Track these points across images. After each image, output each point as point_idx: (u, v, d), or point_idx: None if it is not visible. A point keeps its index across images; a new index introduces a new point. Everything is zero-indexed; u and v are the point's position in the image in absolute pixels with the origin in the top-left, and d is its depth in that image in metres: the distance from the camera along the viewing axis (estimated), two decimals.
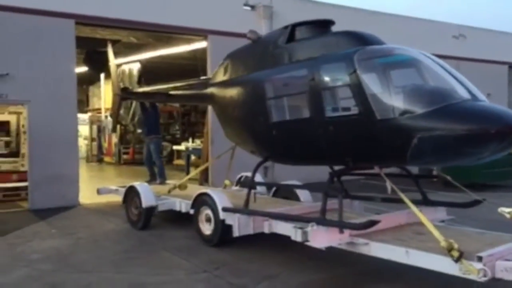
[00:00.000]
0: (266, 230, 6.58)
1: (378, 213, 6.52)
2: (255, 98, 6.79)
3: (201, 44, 13.77)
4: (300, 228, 5.78)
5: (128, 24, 11.89)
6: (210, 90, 7.98)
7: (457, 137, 4.73)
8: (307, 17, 13.72)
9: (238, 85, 7.22)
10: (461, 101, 4.97)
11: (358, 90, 5.37)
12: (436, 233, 4.88)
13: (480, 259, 4.50)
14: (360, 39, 5.91)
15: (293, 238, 5.91)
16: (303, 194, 7.98)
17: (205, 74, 16.23)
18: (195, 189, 8.36)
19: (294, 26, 6.65)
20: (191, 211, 7.63)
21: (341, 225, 5.59)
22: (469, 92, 5.10)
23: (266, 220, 6.59)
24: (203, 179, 12.94)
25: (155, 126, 11.32)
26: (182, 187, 8.63)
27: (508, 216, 5.53)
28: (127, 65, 19.96)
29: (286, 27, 6.73)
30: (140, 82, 19.57)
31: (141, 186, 8.63)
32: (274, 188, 8.64)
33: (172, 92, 9.24)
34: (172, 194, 8.64)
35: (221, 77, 7.76)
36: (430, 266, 4.93)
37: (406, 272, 5.79)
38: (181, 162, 17.42)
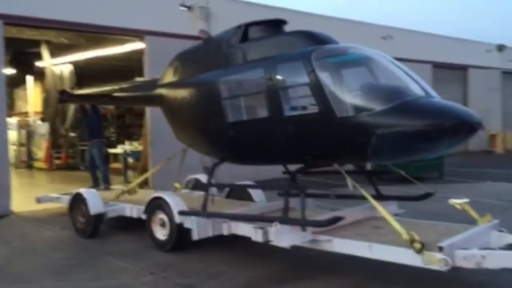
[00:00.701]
0: (225, 232, 6.47)
1: (333, 210, 6.56)
2: (210, 99, 6.65)
3: (136, 45, 13.57)
4: (260, 228, 5.73)
5: (59, 24, 11.46)
6: (159, 91, 7.78)
7: (415, 132, 4.89)
8: (244, 18, 13.86)
9: (190, 86, 7.07)
10: (416, 98, 5.15)
11: (317, 89, 5.41)
12: (397, 226, 5.04)
13: (441, 249, 4.67)
14: (316, 39, 5.99)
15: (253, 238, 5.86)
16: (256, 194, 7.93)
17: (141, 75, 16.05)
18: (144, 194, 8.23)
19: (247, 26, 6.60)
20: (144, 216, 7.39)
21: (305, 223, 5.62)
22: (423, 89, 5.28)
23: (224, 222, 6.48)
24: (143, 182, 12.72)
25: (97, 129, 10.93)
26: (131, 192, 8.42)
27: (459, 207, 5.69)
28: (58, 66, 19.30)
29: (239, 27, 6.65)
30: (73, 84, 19.04)
31: (88, 192, 8.26)
32: (227, 190, 8.49)
33: (116, 94, 8.97)
34: (120, 200, 8.37)
35: (170, 78, 7.58)
36: (393, 259, 5.10)
37: (345, 263, 6.06)
38: (118, 165, 17.01)
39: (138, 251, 7.19)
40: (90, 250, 7.42)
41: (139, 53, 14.21)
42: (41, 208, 10.30)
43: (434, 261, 4.64)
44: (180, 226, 6.80)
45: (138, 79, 17.31)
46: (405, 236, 4.85)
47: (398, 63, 5.76)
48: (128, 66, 16.95)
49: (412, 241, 4.75)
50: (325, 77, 5.43)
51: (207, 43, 7.20)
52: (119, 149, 16.57)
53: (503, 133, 23.58)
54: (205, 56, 7.04)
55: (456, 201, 5.69)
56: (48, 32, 14.21)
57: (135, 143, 16.82)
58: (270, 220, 5.91)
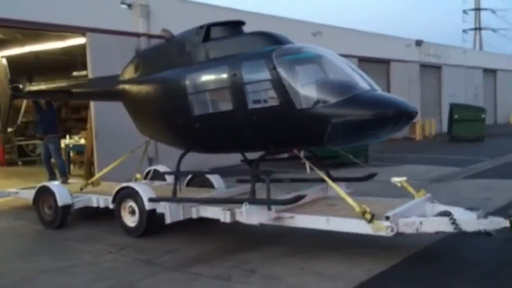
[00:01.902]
0: (195, 215, 7.09)
1: (288, 192, 7.05)
2: (176, 94, 7.12)
3: (77, 41, 13.86)
4: (228, 210, 6.51)
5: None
6: (121, 86, 8.17)
7: (364, 121, 5.79)
8: (184, 17, 14.80)
9: (156, 82, 7.52)
10: (363, 92, 6.00)
11: (278, 84, 6.10)
12: (350, 201, 5.87)
13: (387, 218, 5.56)
14: (274, 39, 6.67)
15: (222, 220, 6.63)
16: (217, 181, 8.50)
17: (80, 69, 16.31)
18: (106, 186, 8.72)
19: (209, 26, 7.12)
20: (112, 206, 7.78)
21: (272, 202, 6.33)
22: (368, 83, 6.15)
23: (193, 206, 7.08)
24: (88, 173, 13.13)
25: (52, 125, 11.09)
26: (95, 183, 8.82)
27: (399, 185, 6.57)
28: None
29: (201, 27, 7.15)
30: (7, 79, 18.76)
31: (54, 185, 8.59)
32: (188, 177, 8.89)
33: (74, 90, 9.28)
34: (84, 192, 8.73)
35: (132, 74, 8.05)
36: (347, 229, 5.97)
37: (286, 236, 7.04)
38: None
39: (95, 235, 7.81)
40: (48, 236, 7.95)
41: (78, 48, 14.54)
42: None
43: (382, 228, 5.53)
44: (150, 212, 7.31)
45: (75, 73, 17.62)
46: (358, 209, 5.68)
47: (345, 60, 6.65)
48: (67, 60, 17.10)
49: (364, 213, 5.60)
50: (285, 74, 6.12)
51: (169, 42, 7.66)
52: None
53: (422, 121, 25.64)
54: (169, 54, 7.52)
55: (396, 179, 6.58)
56: None
57: (75, 137, 17.04)
58: (239, 201, 6.54)
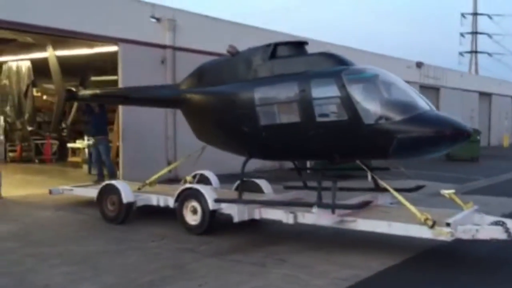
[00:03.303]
0: (257, 216, 7.84)
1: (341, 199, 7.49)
2: (244, 106, 7.78)
3: (102, 49, 14.87)
4: (291, 213, 7.33)
5: (34, 28, 12.23)
6: (184, 95, 8.84)
7: (425, 138, 6.57)
8: (206, 31, 16.09)
9: (223, 94, 8.16)
10: (425, 111, 6.77)
11: (347, 100, 6.83)
12: (412, 208, 6.61)
13: (448, 224, 6.26)
14: (337, 59, 7.47)
15: (284, 221, 7.43)
16: (265, 187, 9.10)
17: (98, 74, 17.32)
18: (158, 187, 9.56)
19: (276, 45, 7.85)
20: (174, 205, 8.38)
21: (341, 207, 7.04)
22: (427, 103, 6.94)
23: (257, 208, 7.81)
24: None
25: (103, 127, 11.81)
26: (152, 184, 9.50)
27: (447, 196, 7.12)
28: (15, 62, 19.89)
29: (268, 45, 7.88)
30: (30, 80, 19.70)
31: (119, 183, 9.19)
32: (237, 183, 9.13)
33: (133, 96, 9.97)
34: (142, 191, 9.30)
35: (195, 84, 8.78)
36: (408, 234, 6.68)
37: (305, 234, 7.99)
38: (76, 159, 18.03)
39: (134, 226, 8.73)
40: (94, 226, 8.87)
41: (101, 55, 15.55)
42: (24, 194, 11.51)
43: (443, 233, 6.24)
44: (212, 212, 7.97)
45: (94, 78, 18.52)
46: (420, 215, 6.42)
47: (403, 81, 7.44)
48: (87, 65, 18.04)
49: (426, 219, 6.34)
50: (353, 92, 6.85)
51: (234, 57, 8.32)
52: (78, 144, 17.62)
53: None
54: (235, 68, 8.19)
55: (445, 192, 7.18)
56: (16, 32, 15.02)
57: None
58: (307, 205, 7.28)
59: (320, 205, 7.06)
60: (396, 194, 7.10)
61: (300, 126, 7.30)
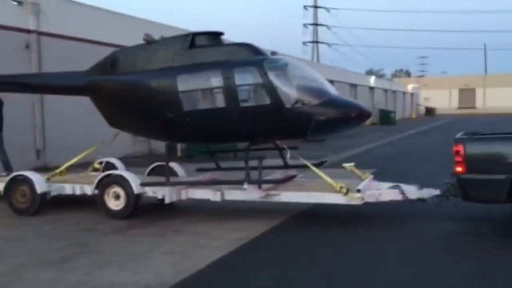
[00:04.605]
0: (184, 197, 8.26)
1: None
2: (167, 92, 8.04)
3: None
4: (218, 191, 7.92)
5: None
6: (92, 82, 8.85)
7: (338, 118, 7.61)
8: (75, 16, 15.97)
9: (141, 80, 8.32)
10: (336, 96, 7.87)
11: (269, 87, 7.57)
12: (328, 179, 7.58)
13: (359, 191, 7.29)
14: (255, 49, 8.11)
15: (212, 199, 8.01)
16: (179, 170, 9.42)
17: None
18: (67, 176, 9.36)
19: (194, 35, 8.28)
20: (96, 191, 8.38)
21: (268, 181, 7.90)
22: (333, 88, 8.08)
23: (183, 189, 8.25)
24: None
25: None
26: (62, 173, 9.35)
27: (349, 169, 8.25)
28: None
29: (187, 35, 8.30)
30: None
31: (31, 174, 8.86)
32: (150, 167, 9.78)
33: (34, 82, 9.59)
34: (53, 180, 9.04)
35: (107, 71, 8.77)
36: (325, 201, 7.65)
37: (192, 208, 8.82)
38: None
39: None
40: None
41: None
42: None
43: (356, 198, 7.26)
44: (137, 196, 8.19)
45: None
46: (336, 185, 7.43)
47: (311, 68, 8.52)
48: None
49: (341, 188, 7.35)
50: (274, 78, 7.61)
51: (152, 45, 8.48)
52: None
53: None
54: (153, 56, 8.39)
55: (346, 165, 8.31)
56: None
57: None
58: (238, 182, 7.88)
59: (250, 181, 7.71)
60: (314, 168, 8.04)
61: (224, 111, 7.82)
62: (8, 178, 8.88)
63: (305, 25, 67.76)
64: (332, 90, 8.11)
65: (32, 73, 10.27)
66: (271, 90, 7.59)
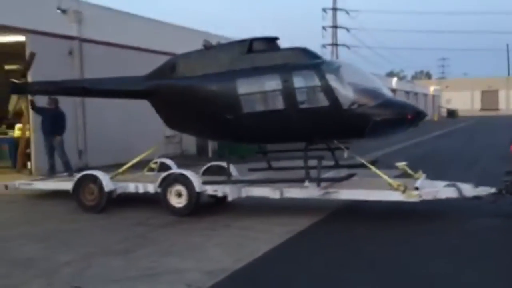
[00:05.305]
0: (244, 194, 8.56)
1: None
2: (231, 95, 8.39)
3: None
4: (277, 189, 8.20)
5: None
6: (153, 86, 9.18)
7: (394, 119, 7.95)
8: (113, 23, 16.78)
9: (201, 84, 8.72)
10: (391, 98, 8.35)
11: (328, 89, 7.92)
12: (385, 177, 7.88)
13: (417, 188, 7.55)
14: (311, 54, 8.57)
15: (271, 197, 8.33)
16: (231, 169, 9.33)
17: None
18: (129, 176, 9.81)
19: (252, 40, 8.65)
20: (157, 190, 8.76)
21: (329, 180, 8.21)
22: (388, 91, 8.50)
23: (243, 187, 8.57)
24: (22, 164, 13.93)
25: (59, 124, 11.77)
26: (124, 173, 9.78)
27: (401, 168, 8.50)
28: None
29: (245, 40, 8.71)
30: None
31: (99, 173, 9.22)
32: (205, 167, 10.11)
33: (93, 87, 10.02)
34: (117, 179, 9.47)
35: (168, 75, 9.13)
36: (383, 199, 7.95)
37: (238, 205, 9.30)
38: None
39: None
40: (34, 211, 9.34)
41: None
42: None
43: (414, 196, 7.47)
44: (198, 194, 8.53)
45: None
46: (393, 183, 7.73)
47: (367, 71, 8.96)
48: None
49: (398, 186, 7.63)
50: (332, 81, 7.98)
51: (210, 51, 8.92)
52: None
53: None
54: (212, 60, 8.76)
55: (399, 164, 8.50)
56: None
57: None
58: (299, 180, 8.13)
59: (311, 179, 7.98)
60: (373, 168, 8.29)
61: (284, 112, 8.15)
62: (77, 177, 9.36)
63: (324, 28, 68.18)
64: (387, 92, 8.49)
65: (92, 78, 10.54)
66: (330, 92, 7.94)
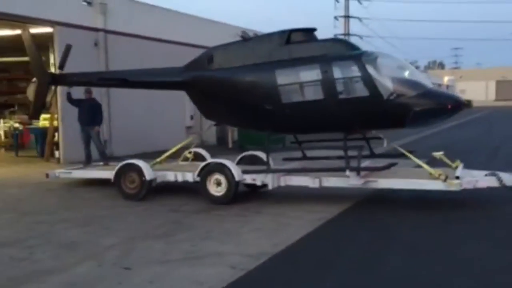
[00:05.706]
0: (283, 183, 8.73)
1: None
2: (271, 85, 8.52)
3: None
4: (317, 178, 8.38)
5: None
6: (193, 78, 9.31)
7: (435, 109, 8.07)
8: (137, 15, 17.14)
9: (241, 75, 8.84)
10: (431, 88, 8.42)
11: (368, 79, 8.01)
12: (427, 167, 8.06)
13: (457, 178, 7.73)
14: (350, 45, 8.91)
15: (310, 186, 8.48)
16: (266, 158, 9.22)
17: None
18: (166, 165, 10.00)
19: (291, 32, 8.76)
20: (196, 179, 8.96)
21: (369, 169, 8.31)
22: (429, 81, 8.62)
23: (282, 176, 8.73)
24: (50, 154, 14.32)
25: (95, 114, 12.08)
26: (162, 162, 10.03)
27: (438, 157, 8.56)
28: None
29: (283, 32, 8.80)
30: None
31: (140, 162, 9.42)
32: (240, 156, 10.21)
33: (132, 79, 10.10)
34: (156, 168, 9.64)
35: (205, 66, 9.28)
36: (424, 188, 8.09)
37: (268, 193, 9.52)
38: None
39: (117, 196, 9.64)
40: (71, 198, 9.67)
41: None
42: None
43: (454, 185, 7.64)
44: (237, 183, 8.71)
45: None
46: (434, 172, 7.88)
47: (407, 62, 9.02)
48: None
49: (439, 175, 7.77)
50: (373, 71, 8.08)
51: (248, 42, 9.06)
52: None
53: None
54: (251, 52, 8.91)
55: (436, 154, 8.57)
56: None
57: (10, 121, 17.84)
58: (339, 169, 8.26)
59: (351, 168, 8.10)
60: (413, 157, 8.42)
61: (324, 102, 8.25)
62: (119, 166, 9.51)
63: (336, 18, 67.72)
64: (428, 82, 8.60)
65: (131, 70, 10.62)
66: (370, 82, 8.04)
